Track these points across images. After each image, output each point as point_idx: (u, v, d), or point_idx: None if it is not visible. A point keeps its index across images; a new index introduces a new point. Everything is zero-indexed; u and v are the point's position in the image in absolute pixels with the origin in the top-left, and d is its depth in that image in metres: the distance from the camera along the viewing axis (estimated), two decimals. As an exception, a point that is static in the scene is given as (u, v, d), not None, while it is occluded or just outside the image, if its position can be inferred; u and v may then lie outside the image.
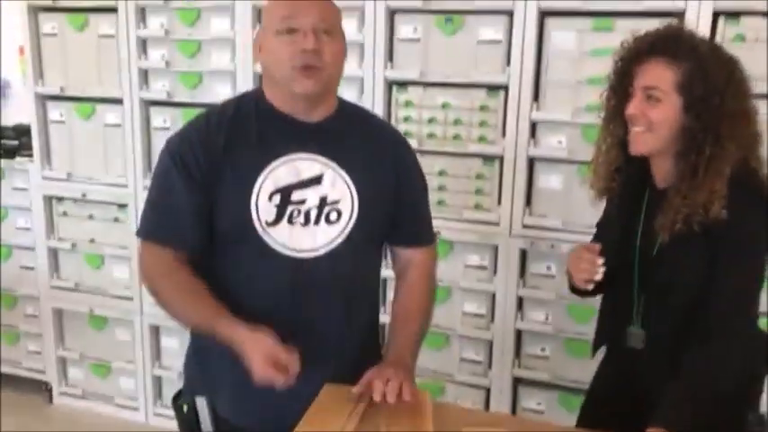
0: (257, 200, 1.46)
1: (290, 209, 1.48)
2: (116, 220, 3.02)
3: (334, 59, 1.45)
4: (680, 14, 2.17)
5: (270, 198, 1.47)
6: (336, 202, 1.50)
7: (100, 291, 3.11)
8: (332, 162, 1.50)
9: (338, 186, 1.50)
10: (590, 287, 1.60)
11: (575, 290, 1.68)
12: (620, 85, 1.55)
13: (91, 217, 3.06)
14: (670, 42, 1.48)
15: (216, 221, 1.49)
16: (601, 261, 1.54)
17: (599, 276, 1.55)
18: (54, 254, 3.16)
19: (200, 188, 1.46)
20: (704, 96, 1.45)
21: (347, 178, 1.51)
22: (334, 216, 1.50)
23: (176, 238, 1.49)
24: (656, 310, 1.57)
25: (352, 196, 1.51)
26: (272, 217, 1.47)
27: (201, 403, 1.57)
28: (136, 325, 3.06)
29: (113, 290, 3.07)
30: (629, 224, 1.60)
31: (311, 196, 1.49)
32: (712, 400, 1.42)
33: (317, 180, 1.50)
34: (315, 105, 1.50)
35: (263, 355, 1.33)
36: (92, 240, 3.08)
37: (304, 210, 1.49)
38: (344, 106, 1.59)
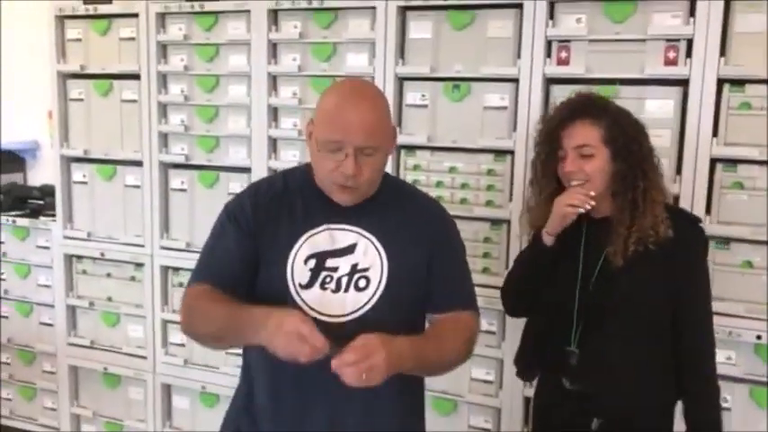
0: (293, 262, 1.53)
1: (323, 274, 1.53)
2: (132, 279, 3.07)
3: (372, 175, 1.51)
4: (684, 82, 2.18)
5: (305, 262, 1.53)
6: (366, 269, 1.54)
7: (114, 349, 3.14)
8: (366, 232, 1.56)
9: (370, 254, 1.55)
10: (567, 219, 1.77)
11: (533, 246, 1.88)
12: (549, 148, 1.82)
13: (108, 275, 3.12)
14: (588, 106, 1.79)
15: (258, 282, 1.56)
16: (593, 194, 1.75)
17: (588, 206, 1.75)
18: (72, 311, 3.22)
19: (249, 240, 1.55)
20: (626, 143, 1.75)
21: (379, 247, 1.55)
22: (362, 283, 1.53)
23: (223, 279, 1.55)
24: (594, 329, 1.79)
25: (382, 264, 1.54)
26: (305, 280, 1.53)
27: None
28: (148, 384, 3.08)
29: (128, 348, 3.11)
30: (569, 255, 1.82)
31: (343, 264, 1.54)
32: None
33: (350, 249, 1.55)
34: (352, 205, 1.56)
35: (286, 327, 1.35)
36: (109, 298, 3.13)
37: (336, 276, 1.53)
38: (387, 185, 1.62)
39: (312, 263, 1.53)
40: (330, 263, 1.54)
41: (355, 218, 1.56)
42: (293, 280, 1.53)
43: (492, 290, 2.45)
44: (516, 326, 2.44)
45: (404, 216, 1.60)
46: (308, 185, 1.59)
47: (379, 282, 1.53)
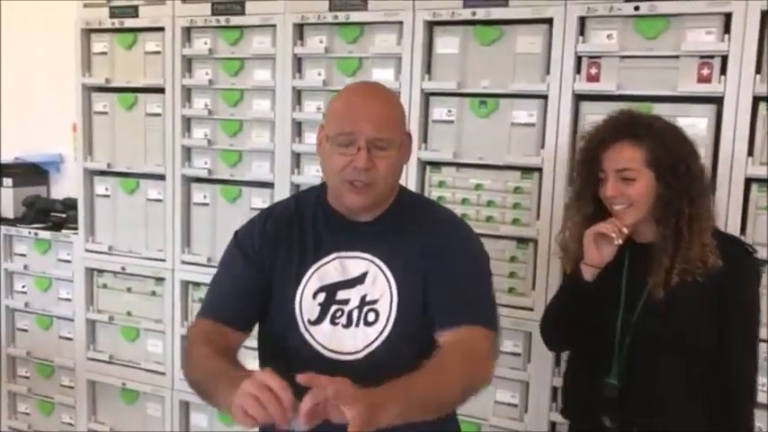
0: (302, 298, 1.46)
1: (333, 308, 1.46)
2: (153, 293, 3.05)
3: (387, 172, 1.44)
4: (718, 99, 2.13)
5: (314, 296, 1.46)
6: (375, 301, 1.46)
7: (133, 364, 3.11)
8: (377, 259, 1.48)
9: (379, 283, 1.46)
10: (603, 260, 1.67)
11: (573, 280, 1.75)
12: (588, 170, 1.73)
13: (129, 290, 3.10)
14: (630, 125, 1.68)
15: (266, 312, 1.51)
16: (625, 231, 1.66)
17: (619, 241, 1.65)
18: (92, 325, 3.20)
19: (258, 271, 1.50)
20: (672, 166, 1.64)
21: (388, 273, 1.47)
22: (371, 317, 1.46)
23: (229, 312, 1.49)
24: (637, 364, 1.68)
25: (391, 293, 1.45)
26: (314, 316, 1.46)
27: None
28: (166, 400, 3.04)
29: (146, 363, 3.07)
30: (610, 282, 1.71)
31: (354, 296, 1.47)
32: None
33: (361, 279, 1.47)
34: (365, 211, 1.50)
35: (253, 378, 1.15)
36: (128, 313, 3.11)
37: (347, 310, 1.46)
38: (402, 200, 1.55)
39: (321, 297, 1.46)
40: (341, 295, 1.46)
41: (366, 244, 1.48)
42: (302, 316, 1.46)
43: (518, 310, 2.41)
44: (542, 347, 2.38)
45: (412, 234, 1.50)
46: (321, 207, 1.54)
47: (389, 313, 1.45)
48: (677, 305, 1.64)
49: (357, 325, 1.45)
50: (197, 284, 2.92)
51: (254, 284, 1.50)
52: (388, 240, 1.49)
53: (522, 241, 2.42)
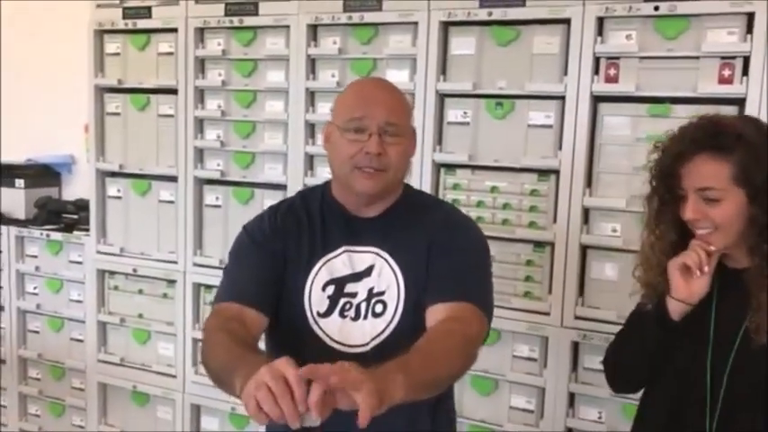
0: (311, 290, 1.47)
1: (342, 301, 1.46)
2: (165, 296, 3.03)
3: (397, 160, 1.45)
4: (740, 101, 2.09)
5: (323, 288, 1.46)
6: (382, 293, 1.46)
7: (144, 367, 3.09)
8: (384, 252, 1.48)
9: (384, 275, 1.47)
10: (693, 295, 1.41)
11: (657, 315, 1.46)
12: (665, 187, 1.46)
13: (140, 292, 3.08)
14: (712, 134, 1.38)
15: (279, 303, 1.50)
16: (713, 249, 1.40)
17: (705, 269, 1.40)
18: (103, 327, 3.18)
19: (271, 260, 1.49)
20: (766, 184, 1.35)
21: (394, 265, 1.48)
22: (379, 308, 1.46)
23: (248, 297, 1.47)
24: (739, 412, 1.39)
25: (398, 284, 1.47)
26: (323, 308, 1.46)
27: None
28: (177, 403, 3.02)
29: (157, 366, 3.05)
30: (698, 315, 1.45)
31: (361, 289, 1.47)
32: None
33: (368, 272, 1.48)
34: (374, 202, 1.50)
35: (270, 367, 1.11)
36: (140, 315, 3.09)
37: (355, 303, 1.46)
38: (407, 196, 1.57)
39: (330, 289, 1.47)
40: (349, 288, 1.47)
41: (374, 237, 1.49)
42: (311, 308, 1.46)
43: (534, 315, 2.38)
44: (559, 352, 2.35)
45: (418, 229, 1.52)
46: (327, 203, 1.54)
47: (397, 304, 1.46)
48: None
49: (365, 317, 1.46)
50: (209, 287, 2.90)
51: (270, 271, 1.49)
52: (394, 234, 1.50)
53: (538, 245, 2.38)
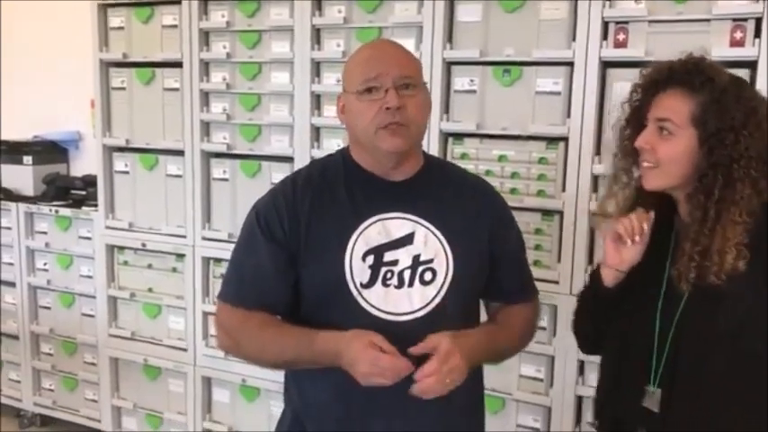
0: (351, 261, 1.43)
1: (383, 270, 1.44)
2: (174, 270, 3.04)
3: (418, 113, 1.44)
4: (752, 64, 2.05)
5: (363, 259, 1.43)
6: (430, 261, 1.45)
7: (155, 340, 3.11)
8: (422, 220, 1.47)
9: (431, 244, 1.46)
10: (623, 262, 1.43)
11: (592, 283, 1.52)
12: (636, 117, 1.45)
13: (150, 266, 3.09)
14: (689, 72, 1.38)
15: (306, 285, 1.47)
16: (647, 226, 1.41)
17: (636, 239, 1.41)
18: (113, 302, 3.20)
19: (286, 252, 1.46)
20: (717, 132, 1.33)
21: (440, 235, 1.47)
22: (428, 276, 1.45)
23: (258, 302, 1.48)
24: (683, 368, 1.38)
25: (446, 254, 1.46)
26: (366, 278, 1.43)
27: None
28: (189, 376, 3.04)
29: (168, 340, 3.07)
30: (651, 266, 1.45)
31: (403, 257, 1.45)
32: None
33: (408, 239, 1.46)
34: (401, 163, 1.48)
35: (367, 342, 1.32)
36: (150, 290, 3.10)
37: (397, 271, 1.44)
38: (431, 161, 1.58)
39: (371, 259, 1.43)
40: (388, 257, 1.44)
41: (407, 204, 1.47)
42: (353, 280, 1.42)
43: (544, 283, 2.36)
44: (568, 320, 2.33)
45: (454, 195, 1.53)
46: (350, 171, 1.50)
47: (446, 273, 1.45)
48: (728, 298, 1.32)
49: (411, 285, 1.44)
50: (218, 260, 2.91)
51: (282, 264, 1.46)
52: (426, 199, 1.49)
53: (547, 213, 2.37)
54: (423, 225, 1.46)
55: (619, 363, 1.50)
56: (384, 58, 1.44)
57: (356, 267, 1.43)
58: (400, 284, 1.43)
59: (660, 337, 1.41)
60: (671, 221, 1.47)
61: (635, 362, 1.45)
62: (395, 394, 1.36)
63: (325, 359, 1.37)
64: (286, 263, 1.46)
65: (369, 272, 1.43)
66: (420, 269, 1.44)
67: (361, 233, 1.44)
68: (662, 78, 1.41)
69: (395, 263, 1.44)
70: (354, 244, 1.44)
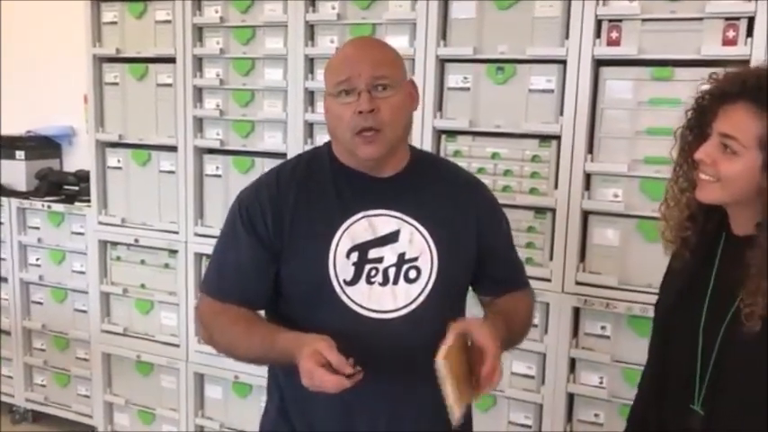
0: (335, 258, 1.42)
1: (367, 267, 1.42)
2: (166, 266, 3.03)
3: (393, 115, 1.39)
4: (744, 63, 2.05)
5: (347, 255, 1.42)
6: (415, 259, 1.44)
7: (148, 336, 3.11)
8: (408, 217, 1.45)
9: (416, 242, 1.45)
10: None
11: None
12: (699, 124, 1.37)
13: (142, 262, 3.09)
14: (761, 88, 1.27)
15: (289, 281, 1.45)
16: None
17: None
18: (106, 298, 3.20)
19: (267, 247, 1.44)
20: None
21: (425, 233, 1.45)
22: (413, 274, 1.44)
23: (237, 296, 1.46)
24: (727, 389, 1.32)
25: (431, 252, 1.45)
26: (350, 276, 1.42)
27: None
28: (181, 372, 3.04)
29: (161, 336, 3.07)
30: (697, 278, 1.39)
31: (388, 254, 1.44)
32: None
33: (393, 237, 1.44)
34: (382, 165, 1.46)
35: (311, 351, 1.26)
36: (142, 286, 3.10)
37: (382, 268, 1.43)
38: (417, 156, 1.55)
39: (355, 256, 1.42)
40: (373, 254, 1.43)
41: (392, 201, 1.45)
42: (337, 277, 1.41)
43: (535, 281, 2.34)
44: (560, 318, 2.35)
45: (440, 190, 1.51)
46: (336, 167, 1.48)
47: (431, 271, 1.44)
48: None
49: (395, 283, 1.43)
50: (210, 257, 2.90)
51: (262, 261, 1.45)
52: (413, 196, 1.47)
53: (539, 211, 2.37)
54: (408, 223, 1.45)
55: (663, 379, 1.45)
56: (356, 59, 1.39)
57: (340, 264, 1.42)
58: (385, 282, 1.42)
59: (703, 355, 1.36)
60: (719, 232, 1.41)
61: (678, 380, 1.40)
62: (380, 393, 1.37)
63: (285, 360, 1.33)
64: (266, 258, 1.44)
65: (353, 269, 1.42)
66: (405, 267, 1.43)
67: (346, 230, 1.43)
68: (734, 89, 1.31)
69: (380, 260, 1.43)
70: (339, 240, 1.42)
